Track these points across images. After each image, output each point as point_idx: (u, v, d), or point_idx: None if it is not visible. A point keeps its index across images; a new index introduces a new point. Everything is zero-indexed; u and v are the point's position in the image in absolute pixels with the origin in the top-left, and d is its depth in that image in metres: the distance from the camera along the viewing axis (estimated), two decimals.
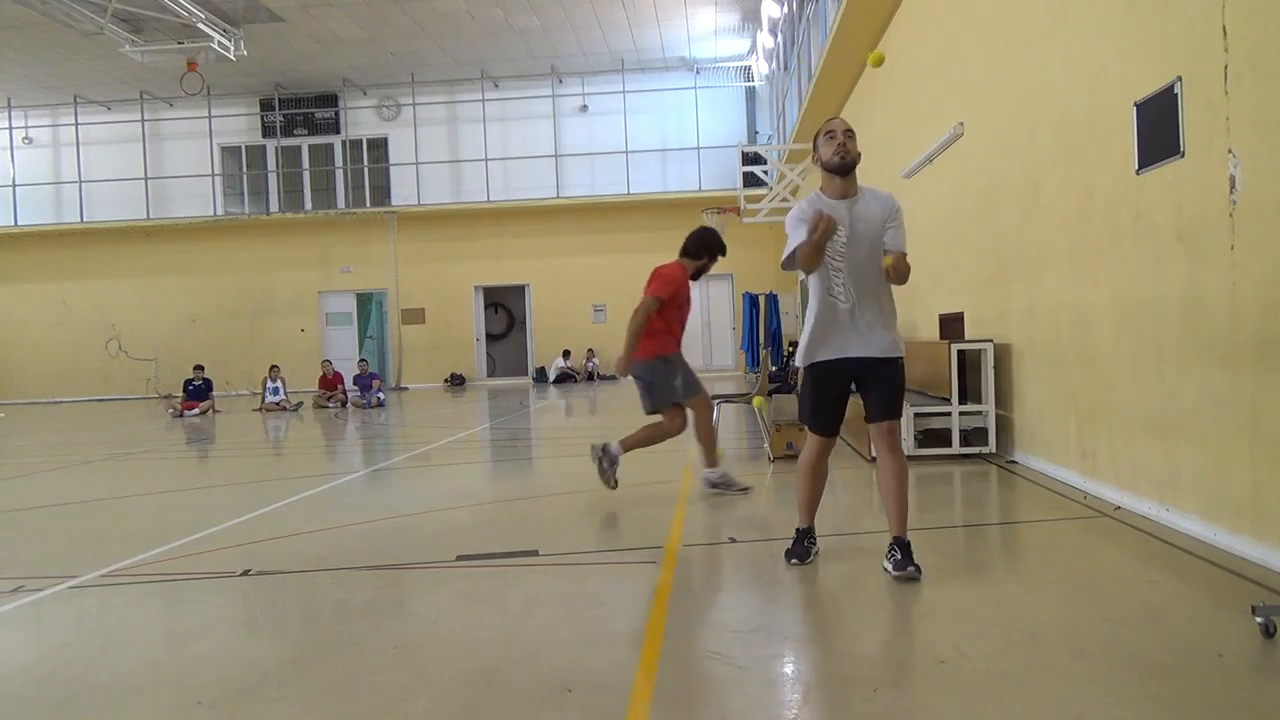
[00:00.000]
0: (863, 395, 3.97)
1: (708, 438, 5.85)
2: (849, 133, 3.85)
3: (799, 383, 4.09)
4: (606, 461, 5.80)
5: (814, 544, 4.16)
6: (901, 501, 3.89)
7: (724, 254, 5.97)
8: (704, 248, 5.85)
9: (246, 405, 18.47)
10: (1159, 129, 4.37)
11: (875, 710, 2.51)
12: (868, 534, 4.99)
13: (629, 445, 5.84)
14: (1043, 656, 2.89)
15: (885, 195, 3.95)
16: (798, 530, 4.16)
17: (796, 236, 3.75)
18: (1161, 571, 3.86)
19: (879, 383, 3.87)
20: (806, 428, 4.12)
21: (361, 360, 19.26)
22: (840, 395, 3.98)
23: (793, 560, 4.06)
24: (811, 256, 3.70)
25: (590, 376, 22.48)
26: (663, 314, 5.70)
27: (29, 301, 23.58)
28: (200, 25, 17.10)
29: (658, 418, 5.87)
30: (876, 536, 4.90)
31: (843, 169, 3.82)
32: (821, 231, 3.60)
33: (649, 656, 2.95)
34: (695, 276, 5.87)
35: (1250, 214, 3.73)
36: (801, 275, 3.92)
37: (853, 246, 3.77)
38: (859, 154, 3.85)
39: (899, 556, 3.80)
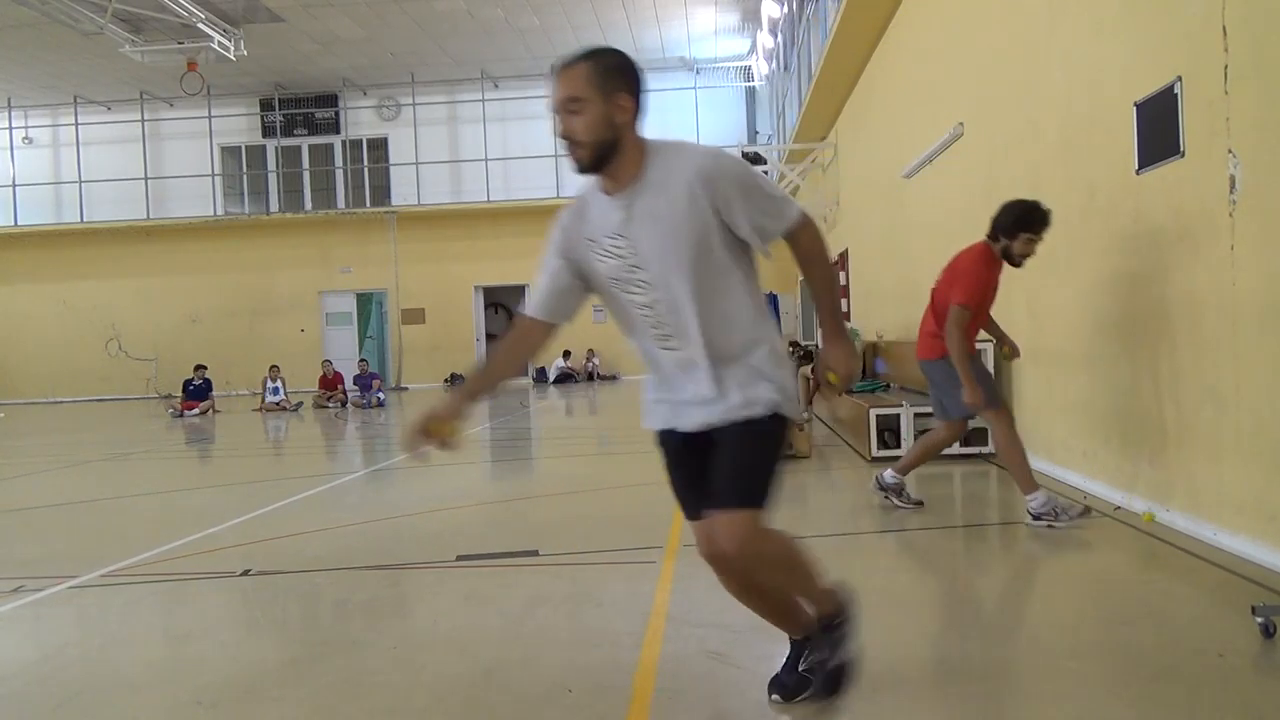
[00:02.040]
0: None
1: (926, 454, 5.23)
2: (569, 101, 2.20)
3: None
4: (892, 495, 5.18)
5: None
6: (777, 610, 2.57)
7: (1043, 228, 4.63)
8: (1018, 224, 4.59)
9: (246, 405, 18.47)
10: (1159, 129, 4.37)
11: (875, 710, 2.51)
12: (868, 534, 5.00)
13: (903, 468, 5.21)
14: (1043, 656, 2.90)
15: (694, 156, 2.24)
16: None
17: (544, 263, 2.44)
18: (1161, 571, 3.86)
19: (718, 452, 2.30)
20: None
21: (361, 360, 19.26)
22: (688, 471, 2.40)
23: None
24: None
25: (590, 377, 22.46)
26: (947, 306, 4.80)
27: (29, 301, 23.56)
28: (200, 25, 17.08)
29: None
30: (877, 537, 4.91)
31: (579, 168, 2.26)
32: None
33: (649, 656, 2.95)
34: (1012, 260, 4.67)
35: (1250, 214, 3.72)
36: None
37: (650, 264, 2.24)
38: (597, 132, 2.19)
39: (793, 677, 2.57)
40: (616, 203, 2.27)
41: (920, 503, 5.22)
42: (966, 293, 4.62)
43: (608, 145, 2.21)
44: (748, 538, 2.21)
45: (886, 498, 5.23)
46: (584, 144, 2.21)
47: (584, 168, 2.25)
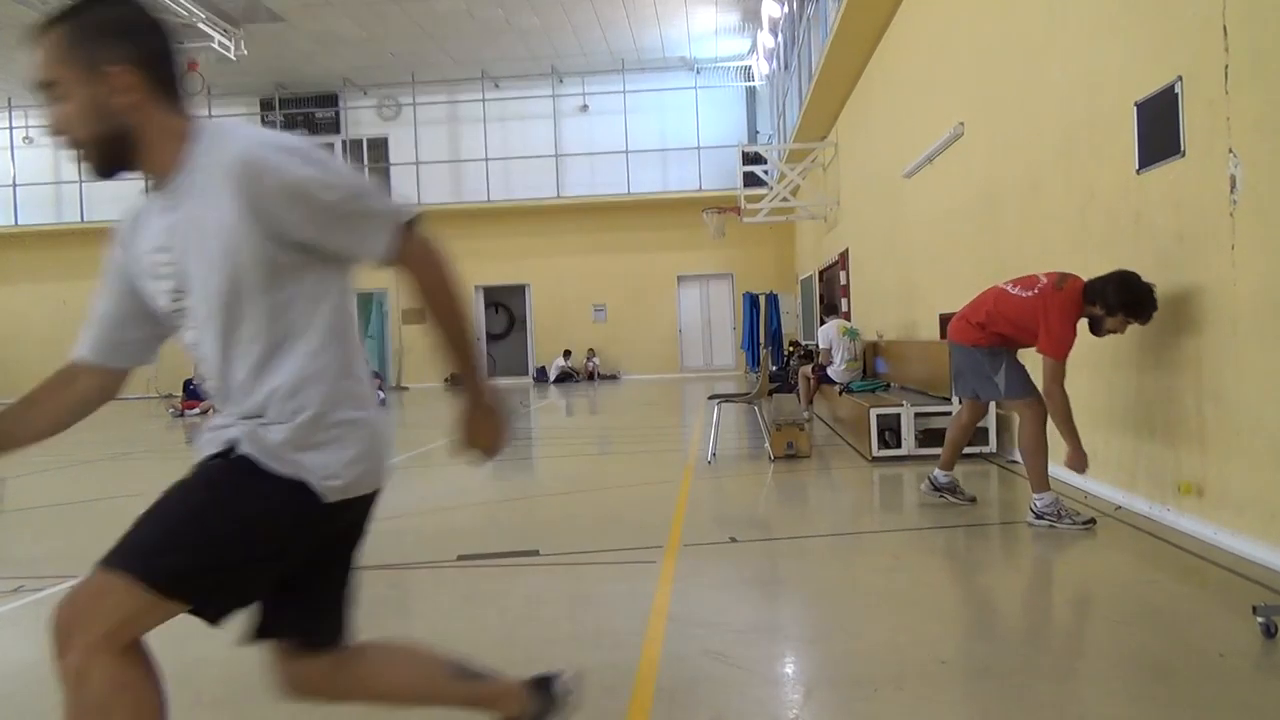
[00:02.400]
0: None
1: (960, 440, 5.20)
2: (45, 87, 1.59)
3: None
4: (948, 494, 5.20)
5: None
6: None
7: (1149, 318, 4.36)
8: (1125, 305, 4.34)
9: None
10: (1159, 129, 4.37)
11: (875, 710, 2.51)
12: (868, 534, 5.00)
13: (947, 463, 5.22)
14: (1043, 656, 2.90)
15: (238, 143, 1.57)
16: None
17: (99, 286, 1.87)
18: (1161, 571, 3.86)
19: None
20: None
21: None
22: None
23: None
24: None
25: (591, 376, 22.47)
26: (1013, 320, 4.68)
27: (29, 301, 23.58)
28: (200, 25, 17.09)
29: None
30: (876, 536, 4.91)
31: (92, 172, 1.64)
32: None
33: (649, 656, 2.95)
34: (1095, 330, 4.52)
35: (1250, 214, 3.73)
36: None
37: (190, 289, 1.67)
38: (89, 124, 1.56)
39: None
40: (161, 204, 1.64)
41: (974, 499, 5.24)
42: (1059, 346, 4.48)
43: (112, 140, 1.56)
44: (84, 609, 1.61)
45: (942, 496, 5.19)
46: (81, 141, 1.56)
47: (98, 170, 1.61)
